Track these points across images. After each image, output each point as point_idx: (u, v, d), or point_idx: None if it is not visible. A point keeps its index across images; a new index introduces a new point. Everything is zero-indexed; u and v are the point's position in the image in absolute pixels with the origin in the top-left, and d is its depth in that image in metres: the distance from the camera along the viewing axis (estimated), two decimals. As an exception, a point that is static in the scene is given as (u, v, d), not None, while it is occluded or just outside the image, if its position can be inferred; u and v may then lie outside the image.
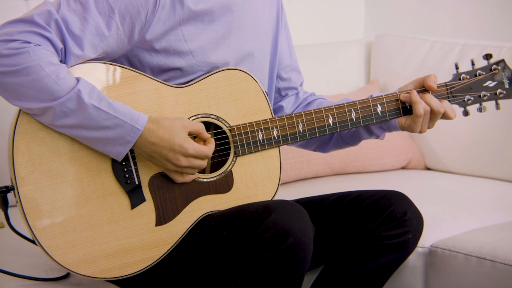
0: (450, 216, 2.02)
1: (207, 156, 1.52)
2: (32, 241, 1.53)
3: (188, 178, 1.55)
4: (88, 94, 1.44)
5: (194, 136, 1.55)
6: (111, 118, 1.45)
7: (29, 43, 1.43)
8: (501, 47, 2.39)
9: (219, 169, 1.60)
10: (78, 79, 1.45)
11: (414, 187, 2.24)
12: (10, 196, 1.50)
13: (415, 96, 1.62)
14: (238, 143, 1.59)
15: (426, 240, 1.90)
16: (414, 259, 1.90)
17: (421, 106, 1.61)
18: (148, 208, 1.53)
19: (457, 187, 2.31)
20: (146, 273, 1.56)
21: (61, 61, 1.48)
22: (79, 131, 1.46)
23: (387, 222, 1.64)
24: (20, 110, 1.47)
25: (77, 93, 1.43)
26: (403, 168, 2.56)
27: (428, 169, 2.59)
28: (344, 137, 1.75)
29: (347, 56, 2.75)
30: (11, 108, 1.48)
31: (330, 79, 2.66)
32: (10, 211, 1.53)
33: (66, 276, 1.61)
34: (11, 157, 1.46)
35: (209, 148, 1.53)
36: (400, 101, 1.65)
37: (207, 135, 1.54)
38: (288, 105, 1.81)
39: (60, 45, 1.46)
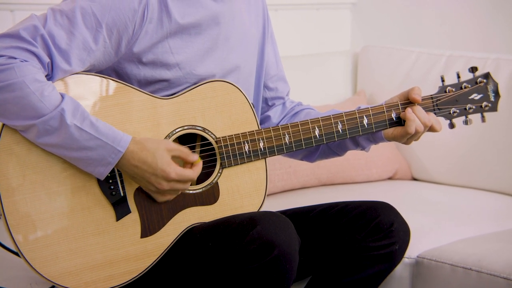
0: (436, 227, 2.02)
1: (190, 180, 1.51)
2: (16, 253, 1.51)
3: (169, 197, 1.53)
4: (72, 113, 1.43)
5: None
6: (92, 139, 1.44)
7: (15, 58, 1.42)
8: (486, 59, 2.40)
9: (205, 180, 1.59)
10: (63, 97, 1.44)
11: (401, 198, 2.24)
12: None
13: (410, 113, 1.62)
14: (225, 155, 1.59)
15: (413, 250, 1.90)
16: (400, 270, 1.90)
17: (413, 124, 1.61)
18: (133, 220, 1.53)
19: (444, 197, 2.31)
20: (131, 285, 1.55)
21: (47, 75, 1.47)
22: (61, 150, 1.45)
23: (374, 233, 1.64)
24: (4, 122, 1.46)
25: (61, 112, 1.42)
26: (389, 178, 2.56)
27: (415, 179, 2.59)
28: (331, 147, 1.75)
29: (334, 67, 2.75)
30: (-5, 119, 1.47)
31: (317, 89, 2.66)
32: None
33: (51, 289, 1.60)
34: (-6, 168, 1.45)
35: (194, 171, 1.51)
36: (387, 114, 1.65)
37: (193, 158, 1.51)
38: (275, 115, 1.81)
39: (46, 59, 1.45)
